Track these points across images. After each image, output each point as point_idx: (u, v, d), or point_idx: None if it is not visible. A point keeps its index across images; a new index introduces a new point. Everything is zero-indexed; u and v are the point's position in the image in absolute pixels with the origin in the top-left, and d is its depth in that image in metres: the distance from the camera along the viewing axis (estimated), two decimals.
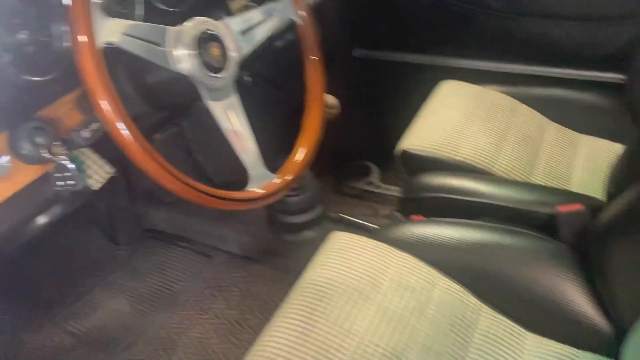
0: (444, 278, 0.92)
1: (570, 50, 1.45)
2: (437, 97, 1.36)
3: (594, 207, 0.95)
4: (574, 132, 1.31)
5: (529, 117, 1.32)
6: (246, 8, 1.08)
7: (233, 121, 0.84)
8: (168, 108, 1.02)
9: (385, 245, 0.96)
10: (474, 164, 1.16)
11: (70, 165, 0.80)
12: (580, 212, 0.95)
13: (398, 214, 1.25)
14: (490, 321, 0.88)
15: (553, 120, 1.33)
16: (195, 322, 1.37)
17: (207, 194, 0.78)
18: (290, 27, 1.02)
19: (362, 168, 1.77)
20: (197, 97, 0.83)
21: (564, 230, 0.95)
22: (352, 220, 1.54)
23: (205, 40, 0.79)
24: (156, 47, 0.75)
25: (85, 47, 0.67)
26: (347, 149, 1.79)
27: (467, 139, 1.20)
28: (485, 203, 1.05)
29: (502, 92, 1.37)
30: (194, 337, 1.34)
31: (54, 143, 0.79)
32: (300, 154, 0.97)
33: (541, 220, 0.99)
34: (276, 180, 0.91)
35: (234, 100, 0.85)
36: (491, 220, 1.02)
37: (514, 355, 0.84)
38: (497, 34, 1.51)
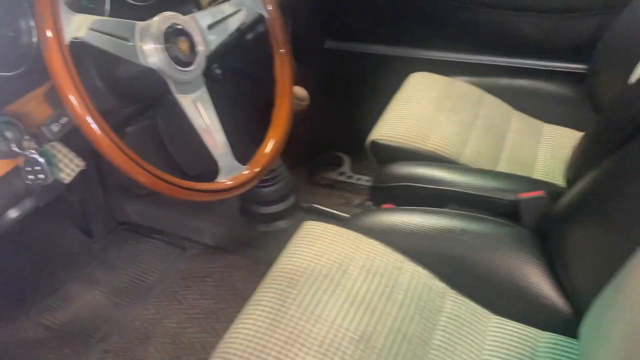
0: (412, 263, 0.94)
1: (535, 42, 1.49)
2: (407, 89, 1.39)
3: (554, 193, 0.99)
4: (539, 121, 1.36)
5: (496, 107, 1.36)
6: (216, 2, 1.09)
7: (202, 114, 0.85)
8: (138, 101, 1.03)
9: (355, 233, 0.98)
10: (441, 153, 1.19)
11: (41, 159, 0.81)
12: (541, 198, 0.98)
13: (369, 203, 1.27)
14: (456, 304, 0.91)
15: (519, 110, 1.38)
16: (170, 313, 1.38)
17: (176, 185, 0.79)
18: (261, 19, 1.03)
19: (334, 159, 1.79)
20: (167, 91, 0.84)
21: (526, 216, 0.99)
22: (324, 209, 1.56)
23: (173, 34, 0.80)
24: (124, 42, 0.76)
25: (52, 43, 0.67)
26: (319, 140, 1.81)
27: (435, 129, 1.23)
28: (451, 191, 1.08)
29: (470, 82, 1.41)
30: (169, 327, 1.35)
31: (23, 137, 0.79)
32: (269, 146, 0.99)
33: (504, 206, 1.03)
34: (245, 171, 0.92)
35: (202, 93, 0.86)
36: (457, 208, 1.05)
37: (477, 335, 0.87)
38: (465, 26, 1.55)
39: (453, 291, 0.93)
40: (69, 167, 0.87)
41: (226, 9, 0.93)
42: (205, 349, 1.28)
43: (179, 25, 0.82)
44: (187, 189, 0.81)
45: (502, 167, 1.22)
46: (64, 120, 0.80)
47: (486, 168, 1.20)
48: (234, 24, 0.93)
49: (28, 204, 0.95)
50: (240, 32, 1.18)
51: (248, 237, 1.52)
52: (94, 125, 0.69)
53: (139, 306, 1.40)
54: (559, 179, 1.16)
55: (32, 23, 0.78)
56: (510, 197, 1.02)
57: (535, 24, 1.46)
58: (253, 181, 0.94)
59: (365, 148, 1.28)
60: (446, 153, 1.19)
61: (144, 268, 1.50)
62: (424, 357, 0.83)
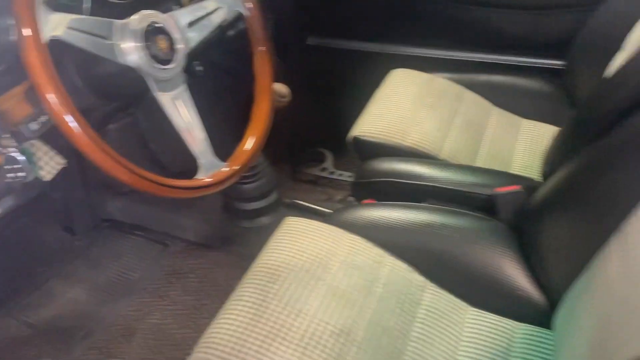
0: (391, 257, 0.96)
1: (514, 38, 1.51)
2: (388, 85, 1.40)
3: (530, 187, 1.00)
4: (517, 117, 1.38)
5: (475, 103, 1.38)
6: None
7: (181, 111, 0.86)
8: (119, 99, 1.03)
9: (336, 228, 0.99)
10: (421, 149, 1.21)
11: (21, 157, 0.81)
12: (517, 192, 1.00)
13: (351, 199, 1.29)
14: (434, 297, 0.93)
15: (498, 106, 1.40)
16: (153, 309, 1.38)
17: (155, 182, 0.80)
18: (241, 17, 1.04)
19: (317, 155, 1.80)
20: (147, 88, 0.84)
21: (502, 210, 1.01)
22: (306, 205, 1.57)
23: (153, 33, 0.81)
24: (103, 40, 0.76)
25: (30, 41, 0.68)
26: (302, 136, 1.82)
27: (415, 125, 1.25)
28: (431, 186, 1.10)
29: (450, 79, 1.42)
30: (152, 323, 1.35)
31: (3, 135, 0.79)
32: (249, 143, 1.00)
33: (482, 201, 1.04)
34: (225, 168, 0.93)
35: (182, 90, 0.87)
36: (436, 202, 1.07)
37: (455, 327, 0.89)
38: (445, 23, 1.56)
39: (432, 284, 0.95)
40: (50, 164, 0.87)
41: (206, 6, 0.93)
42: (188, 344, 1.29)
43: (158, 23, 0.82)
44: (166, 186, 0.81)
45: (480, 162, 1.24)
46: (44, 118, 0.80)
47: (465, 163, 1.22)
48: (214, 21, 0.94)
49: (9, 202, 0.95)
50: (222, 28, 1.18)
51: (231, 234, 1.52)
52: (72, 124, 0.70)
53: (122, 303, 1.40)
54: (536, 174, 1.18)
55: (11, 22, 0.78)
56: (487, 191, 1.04)
57: (514, 21, 1.48)
58: (232, 178, 0.94)
59: (347, 144, 1.29)
60: (426, 149, 1.21)
61: (127, 265, 1.50)
62: (403, 348, 0.84)
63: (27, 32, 0.68)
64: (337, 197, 1.66)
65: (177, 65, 0.85)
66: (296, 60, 1.74)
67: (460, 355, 0.86)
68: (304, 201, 1.58)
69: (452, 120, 1.29)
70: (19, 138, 0.81)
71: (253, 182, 1.40)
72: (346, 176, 1.71)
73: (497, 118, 1.36)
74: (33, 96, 0.82)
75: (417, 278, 0.95)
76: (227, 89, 1.47)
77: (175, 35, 0.85)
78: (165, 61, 0.83)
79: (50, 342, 1.32)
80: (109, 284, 1.46)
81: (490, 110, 1.38)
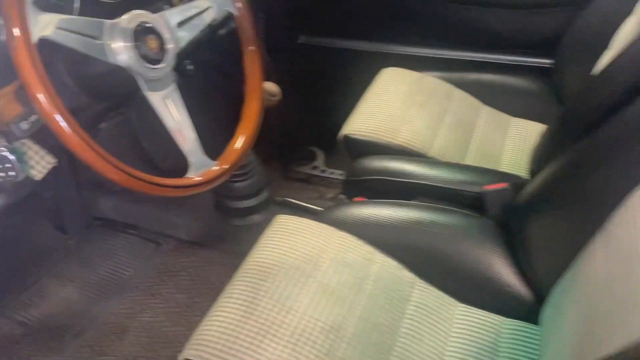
0: (381, 255, 0.97)
1: (504, 37, 1.53)
2: (379, 84, 1.41)
3: (518, 185, 1.02)
4: (506, 115, 1.39)
5: (465, 102, 1.39)
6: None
7: (172, 110, 0.86)
8: (110, 98, 1.04)
9: (327, 226, 1.00)
10: (411, 147, 1.22)
11: (11, 157, 0.81)
12: (505, 190, 1.02)
13: (343, 197, 1.30)
14: (423, 293, 0.94)
15: (487, 104, 1.41)
16: (145, 307, 1.39)
17: (145, 181, 0.80)
18: (231, 17, 1.04)
19: (308, 153, 1.81)
20: (138, 87, 0.85)
21: (491, 208, 1.02)
22: (298, 203, 1.58)
23: (143, 33, 0.81)
24: (93, 40, 0.77)
25: (20, 41, 0.68)
26: (293, 135, 1.82)
27: (405, 123, 1.26)
28: (421, 184, 1.11)
29: (440, 78, 1.43)
30: (145, 321, 1.36)
31: None
32: (239, 142, 1.00)
33: (471, 198, 1.06)
34: (215, 167, 0.94)
35: (172, 90, 0.87)
36: (425, 200, 1.08)
37: (444, 323, 0.90)
38: (436, 22, 1.57)
39: (421, 281, 0.96)
40: (40, 164, 0.87)
41: (196, 6, 0.94)
42: (180, 342, 1.29)
43: (148, 23, 0.83)
44: (156, 184, 0.82)
45: (469, 160, 1.25)
46: (34, 118, 0.80)
47: (454, 161, 1.23)
48: (204, 21, 0.95)
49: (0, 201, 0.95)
50: (212, 28, 1.19)
51: (222, 232, 1.53)
52: (62, 123, 0.70)
53: (114, 301, 1.41)
54: (524, 171, 1.19)
55: (0, 22, 0.79)
56: (476, 189, 1.05)
57: (504, 20, 1.50)
58: (222, 177, 0.95)
59: (338, 142, 1.30)
60: (416, 147, 1.22)
61: (119, 263, 1.51)
62: (392, 344, 0.86)
63: (16, 32, 0.68)
64: (329, 195, 1.67)
65: (167, 65, 0.86)
66: (287, 59, 1.74)
67: (449, 350, 0.87)
68: (295, 199, 1.59)
69: (442, 119, 1.30)
70: (10, 137, 0.82)
71: (245, 180, 1.41)
72: (337, 174, 1.72)
73: (487, 116, 1.37)
74: (23, 96, 0.83)
75: (407, 275, 0.96)
76: (218, 88, 1.48)
77: (165, 35, 0.85)
78: (155, 61, 0.83)
79: (43, 340, 1.32)
80: (101, 283, 1.46)
81: (480, 109, 1.39)
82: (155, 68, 0.83)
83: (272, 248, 0.96)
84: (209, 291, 1.41)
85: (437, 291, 0.95)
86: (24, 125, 0.80)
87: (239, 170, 1.38)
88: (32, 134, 0.84)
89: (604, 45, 1.10)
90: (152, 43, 0.82)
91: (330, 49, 1.72)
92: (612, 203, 0.68)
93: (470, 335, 0.89)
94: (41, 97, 0.69)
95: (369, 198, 1.15)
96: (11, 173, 0.82)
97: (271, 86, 1.28)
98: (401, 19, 1.60)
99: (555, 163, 0.89)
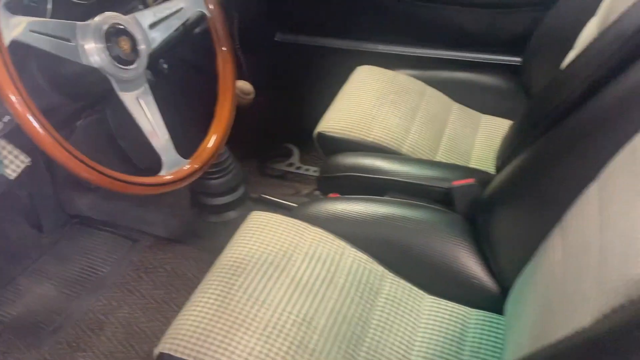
0: (353, 249, 0.99)
1: (473, 36, 1.56)
2: (353, 82, 1.43)
3: (485, 180, 1.05)
4: (476, 112, 1.43)
5: (436, 99, 1.42)
6: (157, 0, 1.11)
7: (144, 110, 0.88)
8: (85, 98, 1.04)
9: (300, 222, 1.02)
10: (383, 144, 1.25)
11: None
12: (472, 185, 1.05)
13: (318, 193, 1.32)
14: (394, 286, 0.97)
15: (458, 102, 1.44)
16: (122, 303, 1.40)
17: (118, 179, 0.82)
18: (204, 17, 1.05)
19: (284, 150, 1.83)
20: (112, 87, 0.86)
21: (458, 203, 1.05)
22: (273, 200, 1.60)
23: (115, 34, 0.82)
24: (65, 42, 0.78)
25: None
26: (269, 132, 1.84)
27: (378, 121, 1.29)
28: (392, 180, 1.14)
29: (412, 75, 1.46)
30: (122, 317, 1.37)
31: None
32: (211, 141, 1.02)
33: (440, 194, 1.09)
34: (187, 166, 0.95)
35: (145, 90, 0.89)
36: (397, 196, 1.11)
37: (413, 314, 0.93)
38: (408, 20, 1.60)
39: (391, 274, 0.99)
40: (14, 163, 0.88)
41: (168, 7, 0.95)
42: (157, 337, 1.30)
43: (120, 25, 0.84)
44: (129, 182, 0.83)
45: (440, 157, 1.28)
46: (7, 118, 0.81)
47: (426, 158, 1.26)
48: (176, 21, 0.96)
49: None
50: (187, 27, 1.20)
51: (199, 228, 1.54)
52: (35, 124, 0.71)
53: (92, 297, 1.41)
54: (492, 167, 1.23)
55: None
56: (445, 185, 1.09)
57: (474, 19, 1.53)
58: (194, 176, 0.97)
59: (313, 140, 1.33)
60: (388, 144, 1.25)
61: (96, 260, 1.51)
62: (363, 335, 0.88)
63: None
64: (304, 191, 1.69)
65: (139, 65, 0.87)
66: (264, 57, 1.76)
67: (418, 340, 0.90)
68: (271, 196, 1.61)
69: (414, 116, 1.33)
70: None
71: (220, 177, 1.42)
72: (312, 171, 1.74)
73: (457, 113, 1.40)
74: None
75: (377, 268, 0.99)
76: (193, 86, 1.49)
77: (138, 36, 0.86)
78: (128, 62, 0.84)
79: (20, 337, 1.33)
80: (77, 280, 1.46)
81: (451, 106, 1.42)
82: (127, 69, 0.84)
83: (246, 244, 0.98)
84: (185, 287, 1.42)
85: (406, 284, 0.98)
86: None
87: (215, 167, 1.39)
88: (6, 134, 0.84)
89: (570, 44, 1.13)
90: (124, 44, 0.83)
91: (306, 46, 1.74)
92: (569, 197, 0.71)
93: (438, 325, 0.92)
94: (13, 98, 0.70)
95: (342, 194, 1.18)
96: None
97: (244, 85, 1.30)
98: (375, 17, 1.63)
99: (519, 159, 0.92)
